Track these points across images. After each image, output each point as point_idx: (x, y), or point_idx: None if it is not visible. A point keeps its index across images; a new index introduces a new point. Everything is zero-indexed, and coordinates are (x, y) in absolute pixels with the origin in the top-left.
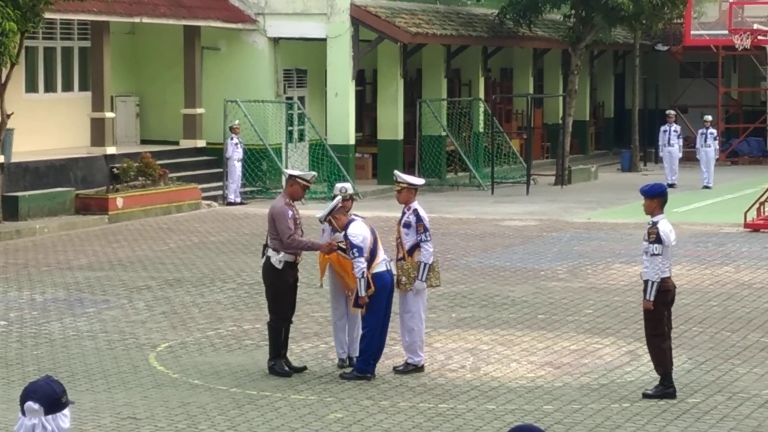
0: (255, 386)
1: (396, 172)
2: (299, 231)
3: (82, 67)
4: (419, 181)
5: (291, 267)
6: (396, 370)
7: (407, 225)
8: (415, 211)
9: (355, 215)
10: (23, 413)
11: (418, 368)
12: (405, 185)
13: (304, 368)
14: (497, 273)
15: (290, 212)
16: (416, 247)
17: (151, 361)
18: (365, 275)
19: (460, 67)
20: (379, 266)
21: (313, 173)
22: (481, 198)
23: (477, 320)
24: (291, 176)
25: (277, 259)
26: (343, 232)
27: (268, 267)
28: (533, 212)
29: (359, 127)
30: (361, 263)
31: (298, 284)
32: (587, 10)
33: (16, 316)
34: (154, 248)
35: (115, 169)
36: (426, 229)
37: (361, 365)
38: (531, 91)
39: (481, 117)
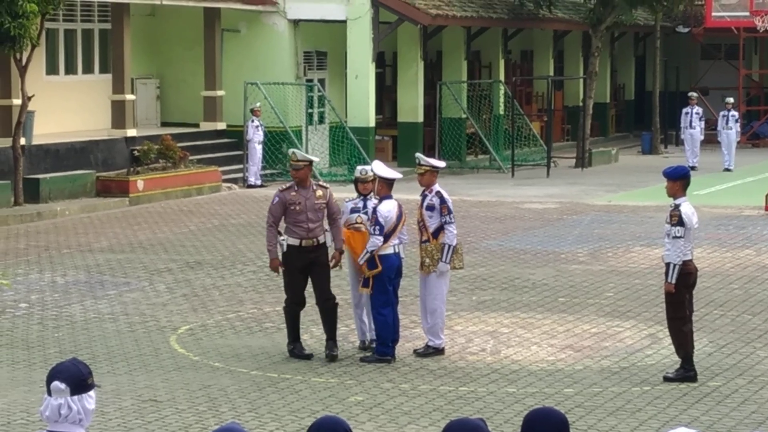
0: (275, 369)
1: (418, 154)
2: (304, 215)
3: (102, 49)
4: (441, 163)
5: (298, 251)
6: (416, 352)
7: (431, 207)
8: (438, 193)
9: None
10: (49, 393)
11: (438, 351)
12: (428, 168)
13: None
14: (517, 256)
15: (277, 198)
16: (440, 229)
17: (172, 344)
18: (374, 252)
19: (480, 49)
20: (388, 248)
21: (292, 151)
22: (502, 181)
23: (497, 303)
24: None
25: (280, 241)
26: (374, 208)
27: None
28: (553, 195)
29: (379, 109)
30: (378, 240)
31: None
32: None
33: (38, 299)
34: (174, 231)
35: (135, 152)
36: (450, 211)
37: (380, 348)
38: (551, 73)
39: (502, 99)
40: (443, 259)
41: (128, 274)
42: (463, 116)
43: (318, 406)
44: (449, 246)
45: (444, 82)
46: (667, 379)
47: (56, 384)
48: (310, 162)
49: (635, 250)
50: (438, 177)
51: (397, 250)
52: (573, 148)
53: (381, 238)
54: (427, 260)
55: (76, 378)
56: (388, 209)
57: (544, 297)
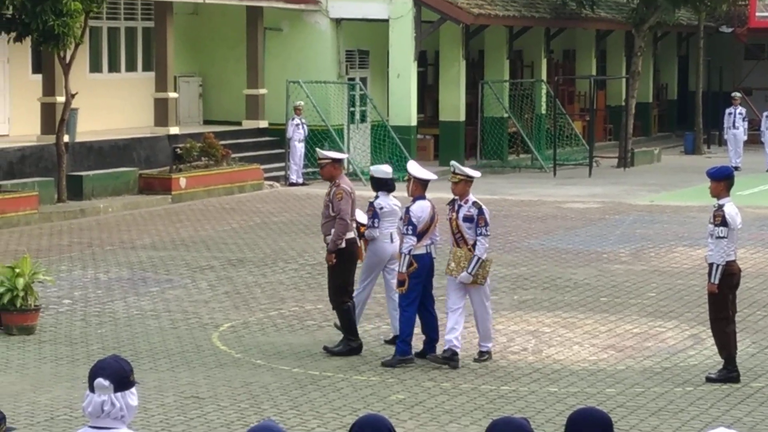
0: (317, 366)
1: (453, 163)
2: (325, 212)
3: (145, 48)
4: (477, 173)
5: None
6: (475, 360)
7: (469, 219)
8: (476, 204)
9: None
10: (92, 390)
11: (450, 357)
12: (463, 177)
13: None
14: (559, 255)
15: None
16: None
17: (214, 341)
18: (410, 252)
19: (522, 49)
20: (421, 248)
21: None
22: (543, 180)
23: (539, 303)
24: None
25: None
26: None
27: None
28: (596, 194)
29: (421, 108)
30: (411, 240)
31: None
32: None
33: (81, 295)
34: (216, 228)
35: (178, 149)
36: (487, 223)
37: (402, 346)
38: (594, 72)
39: (544, 99)
40: (468, 270)
41: (171, 271)
42: (505, 115)
43: (359, 404)
44: (478, 258)
45: (486, 81)
46: (709, 380)
47: (99, 381)
48: (334, 160)
49: (678, 250)
50: (480, 175)
51: (429, 250)
52: (615, 147)
53: (414, 238)
54: (453, 264)
55: (119, 375)
56: (421, 209)
57: (586, 297)
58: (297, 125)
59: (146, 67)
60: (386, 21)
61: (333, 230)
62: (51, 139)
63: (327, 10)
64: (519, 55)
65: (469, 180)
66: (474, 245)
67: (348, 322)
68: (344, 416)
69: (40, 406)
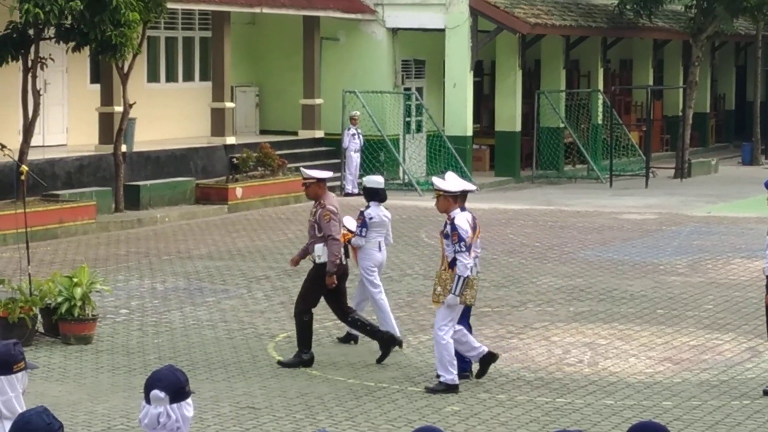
0: (372, 377)
1: (433, 179)
2: (311, 232)
3: (202, 57)
4: (455, 187)
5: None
6: (427, 389)
7: (446, 236)
8: (453, 220)
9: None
10: (148, 401)
11: (450, 387)
12: (440, 193)
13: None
14: (615, 267)
15: None
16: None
17: (269, 351)
18: (468, 276)
19: (578, 58)
20: None
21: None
22: (600, 190)
23: (595, 314)
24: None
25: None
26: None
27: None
28: (652, 205)
29: (477, 118)
30: (467, 260)
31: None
32: (709, 1)
33: (138, 305)
34: (272, 238)
35: (234, 159)
36: (461, 239)
37: (461, 364)
38: (651, 82)
39: (600, 109)
40: (453, 291)
41: (227, 281)
42: (561, 125)
43: (414, 415)
44: (459, 277)
45: (542, 91)
46: (767, 393)
47: (155, 392)
48: (318, 179)
49: (735, 262)
50: (536, 186)
51: (473, 264)
52: (672, 158)
53: (469, 257)
54: (439, 288)
55: (175, 386)
56: (464, 221)
57: (643, 308)
58: (353, 135)
59: (203, 77)
60: (442, 31)
61: (324, 251)
62: (109, 149)
63: (383, 20)
64: (575, 64)
65: (447, 195)
66: (451, 264)
67: (303, 334)
68: (399, 428)
69: (97, 416)
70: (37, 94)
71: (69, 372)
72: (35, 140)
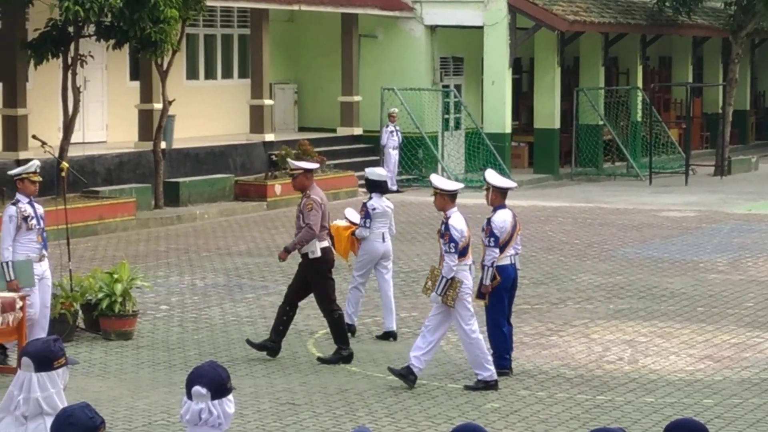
0: None
1: (432, 177)
2: (297, 222)
3: (241, 55)
4: (452, 186)
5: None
6: (466, 387)
7: (441, 234)
8: (448, 219)
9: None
10: (189, 397)
11: (489, 384)
12: (437, 190)
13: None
14: (655, 264)
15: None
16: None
17: (309, 347)
18: (493, 265)
19: (617, 56)
20: (504, 259)
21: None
22: (639, 188)
23: (635, 312)
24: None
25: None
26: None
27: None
28: (692, 203)
29: (515, 115)
30: (494, 252)
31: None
32: None
33: (177, 301)
34: None
35: (273, 156)
36: (451, 240)
37: (499, 362)
38: (690, 80)
39: (639, 106)
40: (435, 290)
41: (266, 277)
42: (600, 123)
43: (454, 412)
44: (442, 278)
45: (581, 89)
46: None
47: (197, 389)
48: (306, 170)
49: None
50: (575, 183)
51: (513, 261)
52: (712, 155)
53: (497, 250)
54: (429, 283)
55: (216, 382)
56: (502, 219)
57: (683, 306)
58: (391, 132)
59: (242, 74)
60: (481, 28)
61: (317, 246)
62: (148, 146)
63: (422, 17)
64: (614, 62)
65: (444, 193)
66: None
67: (339, 330)
68: (439, 424)
69: (138, 411)
70: (77, 91)
71: (110, 368)
72: (75, 137)
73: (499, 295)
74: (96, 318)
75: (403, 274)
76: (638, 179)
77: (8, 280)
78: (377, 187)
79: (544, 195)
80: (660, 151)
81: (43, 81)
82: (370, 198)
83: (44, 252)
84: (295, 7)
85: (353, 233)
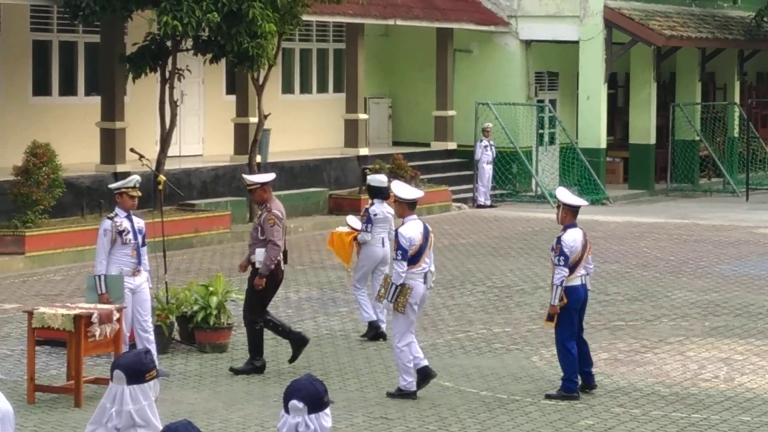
0: (505, 390)
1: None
2: (254, 234)
3: (336, 69)
4: (408, 195)
5: None
6: (388, 393)
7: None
8: (398, 227)
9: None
10: (287, 411)
11: (406, 393)
12: (396, 198)
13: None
14: (752, 282)
15: None
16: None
17: None
18: (562, 284)
19: (714, 71)
20: (575, 279)
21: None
22: (735, 204)
23: (731, 329)
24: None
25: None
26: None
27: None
28: None
29: (610, 130)
30: (563, 271)
31: None
32: None
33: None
34: None
35: (367, 170)
36: (399, 248)
37: (567, 384)
38: None
39: (736, 122)
40: (387, 297)
41: None
42: (697, 138)
43: (547, 429)
44: (392, 284)
45: (677, 104)
46: None
47: (294, 403)
48: (263, 183)
49: None
50: (670, 199)
51: (583, 281)
52: None
53: (566, 270)
54: (382, 290)
55: (314, 396)
56: (573, 238)
57: None
58: (485, 147)
59: (337, 89)
60: (576, 43)
61: (264, 255)
62: (244, 159)
63: (517, 32)
64: (711, 77)
65: (402, 201)
66: None
67: (255, 343)
68: None
69: (233, 424)
70: (174, 105)
71: (204, 380)
72: (172, 150)
73: (569, 316)
74: (191, 330)
75: (496, 289)
76: (735, 195)
77: (99, 293)
78: (379, 193)
79: (639, 211)
80: (757, 167)
81: (140, 95)
82: (372, 204)
83: (140, 267)
84: (391, 22)
85: (355, 238)
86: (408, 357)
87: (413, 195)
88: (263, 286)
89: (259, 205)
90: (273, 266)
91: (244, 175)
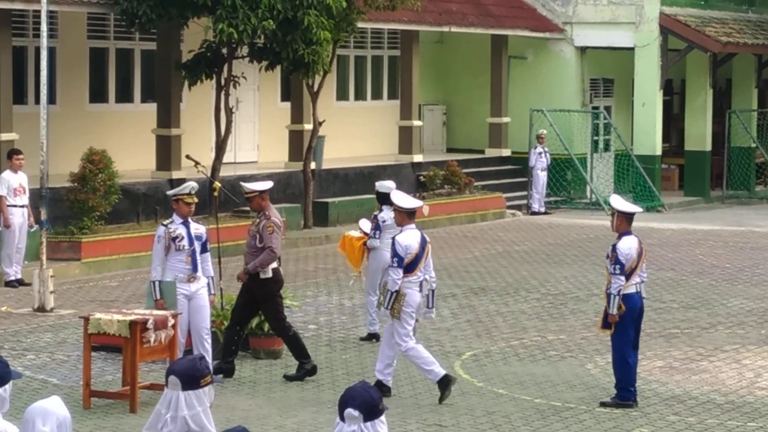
0: (559, 397)
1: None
2: (251, 242)
3: (391, 76)
4: (407, 204)
5: None
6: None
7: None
8: (396, 235)
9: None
10: (342, 419)
11: (441, 378)
12: (396, 207)
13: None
14: None
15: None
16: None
17: (456, 369)
18: (619, 293)
19: None
20: (630, 288)
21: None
22: None
23: None
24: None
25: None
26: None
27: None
28: None
29: (666, 137)
30: (620, 280)
31: None
32: None
33: (326, 321)
34: (459, 256)
35: (421, 177)
36: (395, 255)
37: (622, 393)
38: None
39: None
40: (384, 304)
41: None
42: (753, 145)
43: None
44: (388, 291)
45: (733, 111)
46: None
47: (349, 411)
48: (261, 191)
49: None
50: (726, 206)
51: (639, 289)
52: None
53: (623, 278)
54: (381, 297)
55: (368, 404)
56: (628, 246)
57: None
58: (540, 154)
59: (391, 95)
60: (632, 49)
61: (266, 261)
62: (298, 166)
63: (572, 39)
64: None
65: (401, 210)
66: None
67: (297, 347)
68: None
69: (286, 430)
70: (229, 112)
71: (259, 386)
72: (227, 157)
73: (625, 325)
74: (246, 336)
75: (551, 296)
76: None
77: (155, 299)
78: (387, 199)
79: (695, 218)
80: None
81: (196, 102)
82: (381, 210)
83: (195, 273)
84: (446, 29)
85: (365, 243)
86: (420, 353)
87: (412, 204)
88: (244, 281)
89: (257, 213)
90: (261, 270)
91: (242, 183)
